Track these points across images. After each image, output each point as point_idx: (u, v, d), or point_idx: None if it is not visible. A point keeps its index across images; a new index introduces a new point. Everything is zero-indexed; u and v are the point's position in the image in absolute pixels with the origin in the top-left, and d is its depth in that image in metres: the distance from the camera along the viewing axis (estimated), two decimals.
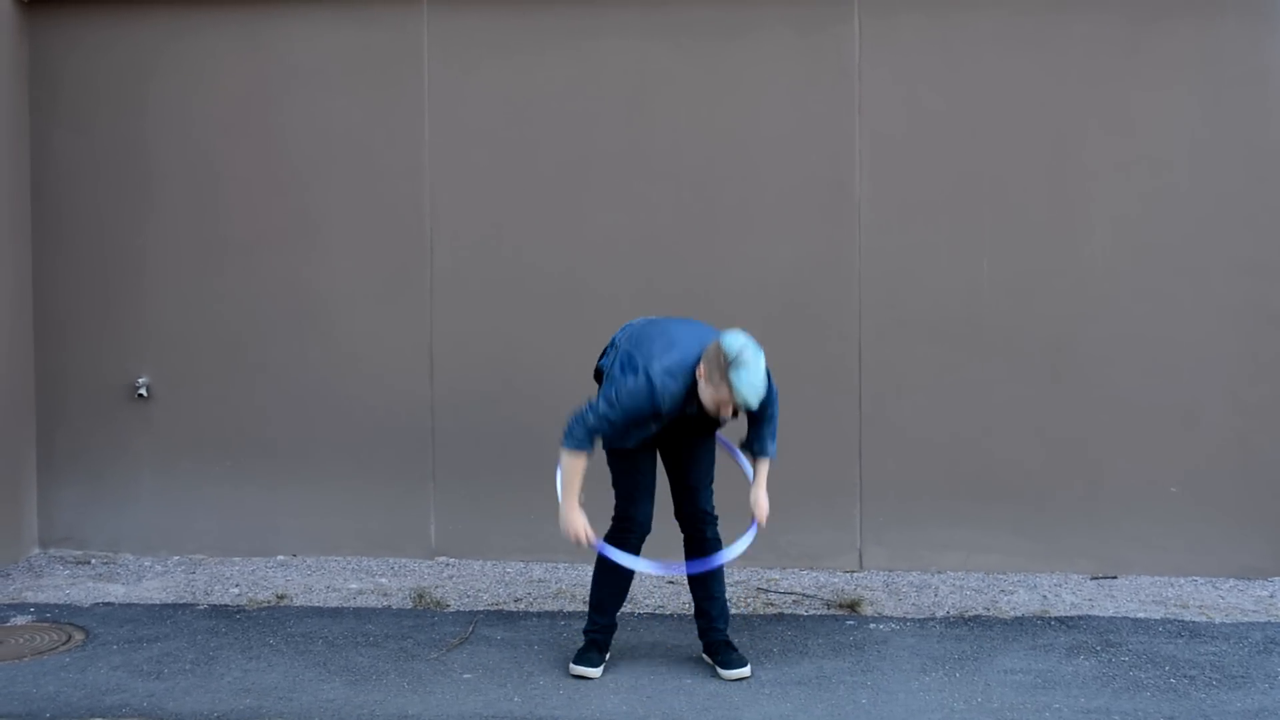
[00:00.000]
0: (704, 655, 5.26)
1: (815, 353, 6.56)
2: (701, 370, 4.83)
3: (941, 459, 6.52)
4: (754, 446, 5.19)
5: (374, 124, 6.79)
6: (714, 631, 5.22)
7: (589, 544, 4.99)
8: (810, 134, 6.57)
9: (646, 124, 6.65)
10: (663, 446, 5.19)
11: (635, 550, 5.15)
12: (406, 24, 6.74)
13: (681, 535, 5.26)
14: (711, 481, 5.25)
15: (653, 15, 6.61)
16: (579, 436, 4.91)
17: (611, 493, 5.21)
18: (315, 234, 6.84)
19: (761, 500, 5.18)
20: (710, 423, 5.05)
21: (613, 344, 5.19)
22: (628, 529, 5.14)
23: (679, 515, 5.24)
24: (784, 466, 6.17)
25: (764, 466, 5.20)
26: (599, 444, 5.03)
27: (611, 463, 5.16)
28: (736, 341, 4.78)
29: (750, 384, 4.74)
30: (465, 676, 5.19)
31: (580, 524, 4.98)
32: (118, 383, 6.96)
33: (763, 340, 5.82)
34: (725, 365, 4.74)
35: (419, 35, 6.75)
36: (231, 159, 6.86)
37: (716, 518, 5.24)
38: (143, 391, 6.91)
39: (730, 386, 4.74)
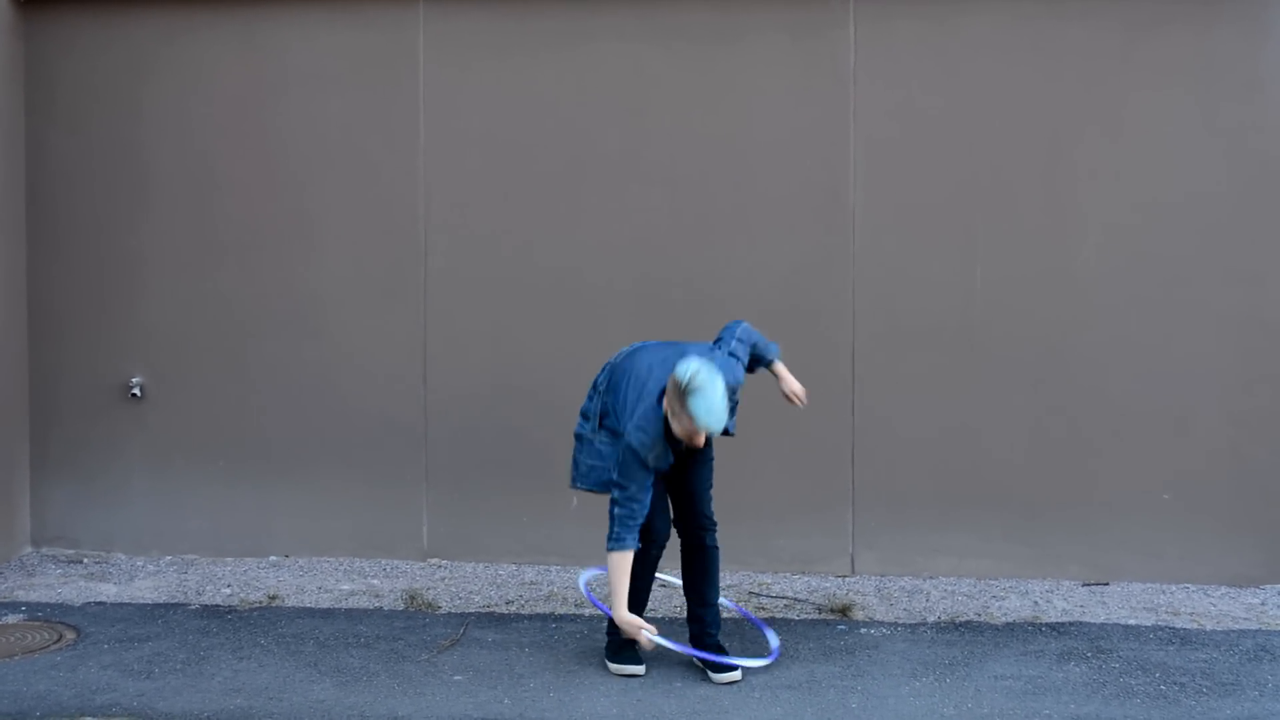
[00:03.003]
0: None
1: (808, 358, 6.53)
2: (666, 406, 4.88)
3: (934, 464, 6.52)
4: (762, 364, 5.32)
5: (369, 125, 6.79)
6: (706, 636, 5.24)
7: (651, 641, 5.04)
8: (805, 139, 6.57)
9: (641, 127, 6.66)
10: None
11: (656, 558, 5.23)
12: (402, 26, 6.75)
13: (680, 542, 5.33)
14: (710, 488, 5.28)
15: (648, 19, 6.62)
16: (617, 534, 4.99)
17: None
18: (310, 235, 6.84)
19: (792, 385, 5.36)
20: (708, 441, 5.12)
21: (594, 386, 5.25)
22: (650, 540, 5.17)
23: (678, 522, 5.28)
24: (777, 471, 6.18)
25: (778, 367, 5.37)
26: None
27: None
28: (688, 369, 4.79)
29: (709, 409, 4.75)
30: (456, 678, 5.18)
31: (637, 624, 5.03)
32: (111, 382, 6.96)
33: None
34: (682, 396, 4.76)
35: (414, 37, 6.75)
36: (227, 160, 6.86)
37: (716, 524, 5.29)
38: (136, 391, 6.91)
39: (691, 417, 4.77)
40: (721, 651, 5.19)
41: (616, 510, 4.99)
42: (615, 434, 5.07)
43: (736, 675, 5.12)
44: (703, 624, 5.25)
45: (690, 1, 6.59)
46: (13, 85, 6.87)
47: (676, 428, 4.88)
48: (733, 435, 5.30)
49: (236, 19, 6.83)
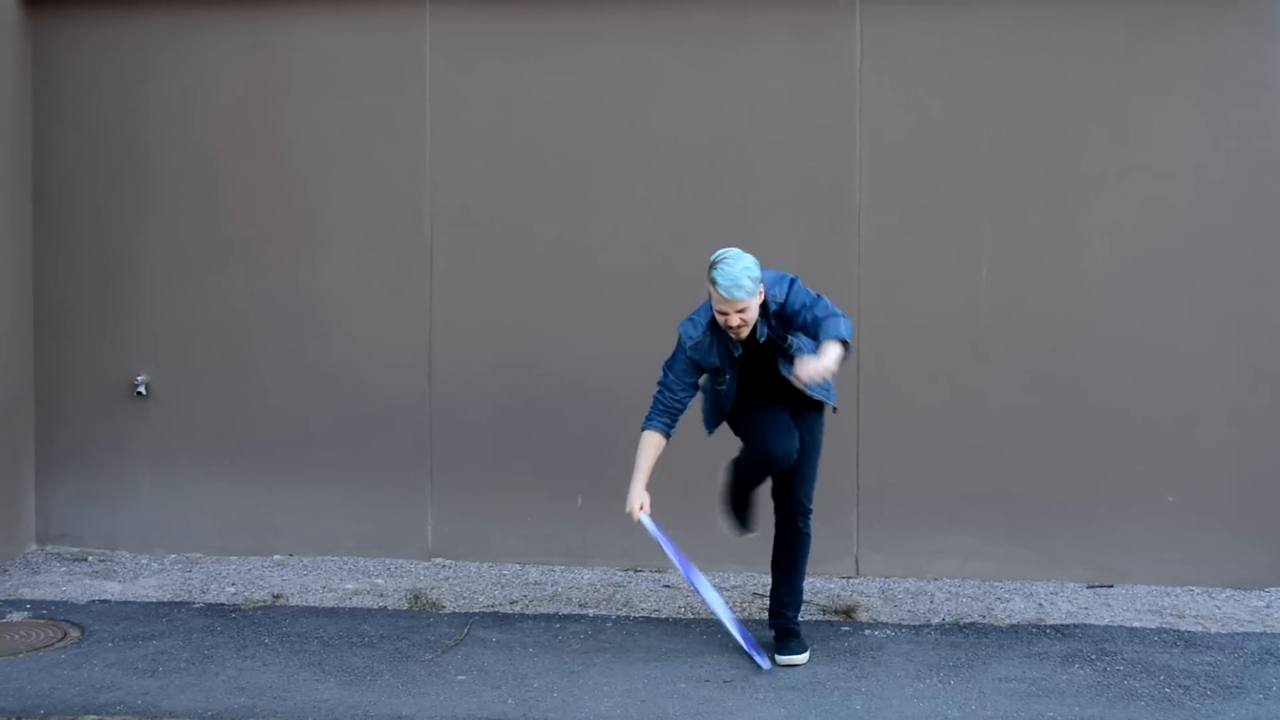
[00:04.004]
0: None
1: None
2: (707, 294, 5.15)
3: (939, 466, 6.52)
4: (820, 340, 5.03)
5: (375, 125, 6.80)
6: (783, 619, 5.41)
7: (636, 520, 5.25)
8: (810, 139, 6.57)
9: (647, 128, 6.66)
10: None
11: (766, 475, 5.33)
12: (408, 25, 6.75)
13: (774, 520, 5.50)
14: (812, 476, 5.42)
15: (654, 19, 6.62)
16: (649, 415, 5.26)
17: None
18: (315, 234, 6.85)
19: (808, 366, 4.90)
20: (777, 377, 5.23)
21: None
22: (766, 458, 5.22)
23: (776, 496, 5.44)
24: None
25: (831, 347, 4.91)
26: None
27: (735, 430, 5.40)
28: (719, 251, 5.10)
29: (728, 275, 4.97)
30: (460, 678, 5.19)
31: (635, 502, 5.22)
32: (117, 380, 6.96)
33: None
34: (709, 270, 5.04)
35: (421, 36, 6.76)
36: (232, 158, 6.87)
37: (811, 511, 5.44)
38: (141, 389, 6.92)
39: (713, 282, 5.01)
40: (792, 635, 5.36)
41: (655, 394, 5.27)
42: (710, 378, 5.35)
43: (798, 659, 5.31)
44: (780, 603, 5.43)
45: (696, 2, 6.60)
46: (20, 83, 6.88)
47: (716, 313, 5.09)
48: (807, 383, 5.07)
49: (243, 18, 6.83)
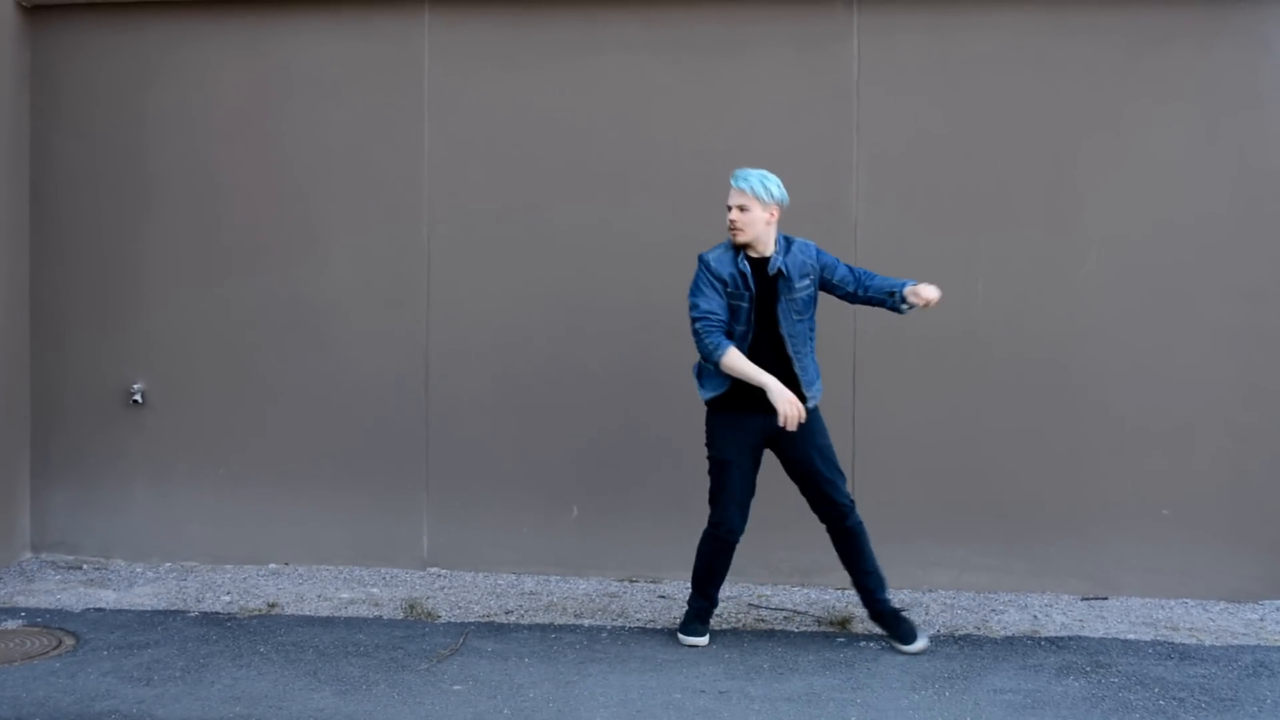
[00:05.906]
0: (875, 627, 5.73)
1: None
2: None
3: (934, 478, 6.53)
4: (888, 293, 5.59)
5: (374, 134, 6.81)
6: (878, 603, 5.61)
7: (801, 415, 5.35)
8: (807, 152, 6.59)
9: (645, 139, 6.67)
10: (784, 455, 5.57)
11: (727, 554, 5.60)
12: (408, 35, 6.77)
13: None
14: (842, 475, 5.62)
15: (653, 31, 6.64)
16: (709, 342, 5.36)
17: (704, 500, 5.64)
18: (313, 243, 6.85)
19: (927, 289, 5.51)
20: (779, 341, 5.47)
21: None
22: (719, 532, 5.57)
23: (818, 512, 5.63)
24: (777, 483, 6.19)
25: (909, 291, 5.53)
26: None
27: (711, 471, 5.56)
28: None
29: (741, 170, 5.45)
30: (455, 688, 5.19)
31: (790, 396, 5.33)
32: (113, 388, 6.96)
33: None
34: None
35: (420, 46, 6.77)
36: (231, 167, 6.88)
37: (854, 503, 5.64)
38: (138, 398, 6.91)
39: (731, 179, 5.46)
40: (899, 619, 5.57)
41: (698, 327, 5.40)
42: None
43: (922, 644, 5.55)
44: (869, 591, 5.61)
45: (696, 14, 6.62)
46: (18, 90, 6.89)
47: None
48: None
49: (242, 26, 6.85)
